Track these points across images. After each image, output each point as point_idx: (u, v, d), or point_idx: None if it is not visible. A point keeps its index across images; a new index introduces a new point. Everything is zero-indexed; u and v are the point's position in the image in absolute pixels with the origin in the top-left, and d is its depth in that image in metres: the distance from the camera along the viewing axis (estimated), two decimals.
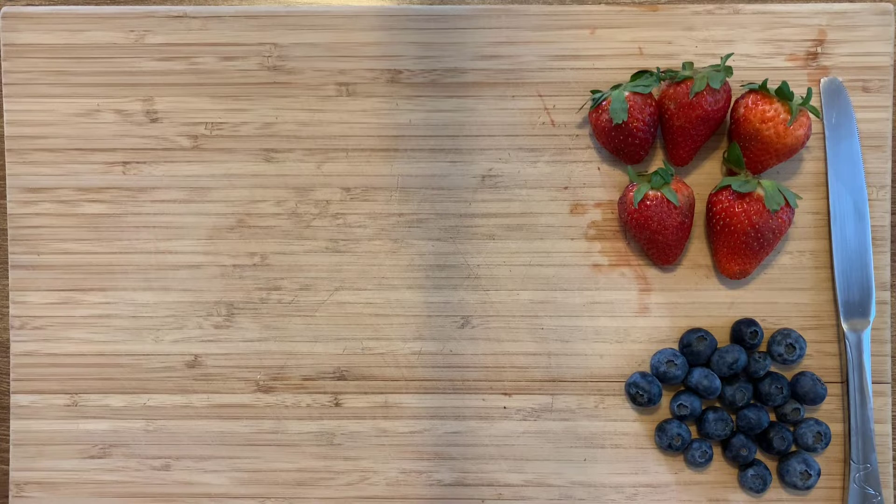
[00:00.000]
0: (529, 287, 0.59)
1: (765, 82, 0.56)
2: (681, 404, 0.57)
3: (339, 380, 0.59)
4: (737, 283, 0.59)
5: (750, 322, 0.58)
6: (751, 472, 0.57)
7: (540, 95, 0.59)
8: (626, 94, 0.56)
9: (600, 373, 0.59)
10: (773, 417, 0.58)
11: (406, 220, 0.59)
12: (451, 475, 0.59)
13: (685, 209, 0.56)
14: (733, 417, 0.58)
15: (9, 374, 0.61)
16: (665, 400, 0.59)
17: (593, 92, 0.58)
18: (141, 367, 0.60)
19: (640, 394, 0.57)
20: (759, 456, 0.59)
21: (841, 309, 0.58)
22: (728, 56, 0.57)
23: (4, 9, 0.60)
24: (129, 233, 0.60)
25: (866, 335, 0.57)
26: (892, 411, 0.59)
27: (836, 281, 0.58)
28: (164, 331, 0.60)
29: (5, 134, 0.60)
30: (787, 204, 0.56)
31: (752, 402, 0.58)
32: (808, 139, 0.56)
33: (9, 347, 0.61)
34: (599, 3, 0.61)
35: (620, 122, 0.56)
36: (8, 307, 0.61)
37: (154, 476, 0.60)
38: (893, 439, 0.59)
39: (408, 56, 0.59)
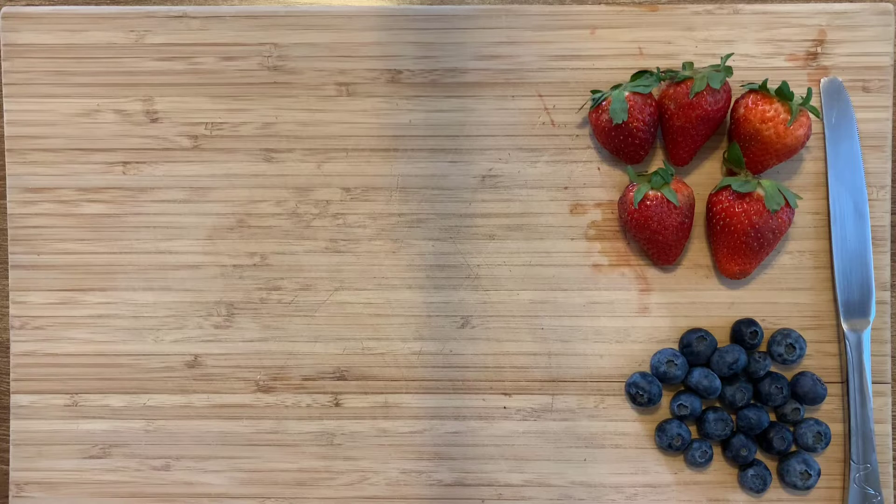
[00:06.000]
0: (529, 287, 0.59)
1: (765, 82, 0.56)
2: (681, 404, 0.57)
3: (339, 380, 0.59)
4: (737, 283, 0.59)
5: (750, 322, 0.58)
6: (751, 472, 0.57)
7: (540, 95, 0.59)
8: (626, 94, 0.56)
9: (600, 373, 0.59)
10: (773, 417, 0.59)
11: (406, 220, 0.59)
12: (451, 475, 0.59)
13: (685, 209, 0.56)
14: (733, 417, 0.58)
15: (9, 374, 0.61)
16: (665, 400, 0.59)
17: (593, 92, 0.58)
18: (141, 367, 0.60)
19: (640, 394, 0.57)
20: (759, 456, 0.59)
21: (841, 309, 0.58)
22: (728, 56, 0.57)
23: (4, 9, 0.60)
24: (129, 233, 0.60)
25: (866, 335, 0.57)
26: (892, 411, 0.59)
27: (836, 281, 0.58)
28: (164, 331, 0.60)
29: (5, 134, 0.60)
30: (787, 204, 0.56)
31: (752, 402, 0.58)
32: (808, 139, 0.56)
33: (9, 347, 0.61)
34: (599, 3, 0.61)
35: (620, 122, 0.56)
36: (8, 307, 0.61)
37: (154, 476, 0.60)
38: (893, 439, 0.59)
39: (408, 56, 0.59)
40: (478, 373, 0.59)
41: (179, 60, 0.60)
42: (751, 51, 0.59)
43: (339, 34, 0.59)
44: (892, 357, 0.59)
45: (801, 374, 0.58)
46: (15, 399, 0.60)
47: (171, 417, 0.60)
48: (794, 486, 0.57)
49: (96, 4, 0.62)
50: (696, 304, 0.59)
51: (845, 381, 0.58)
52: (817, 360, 0.59)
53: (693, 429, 0.59)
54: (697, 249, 0.59)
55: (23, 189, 0.60)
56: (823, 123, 0.59)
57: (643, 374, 0.58)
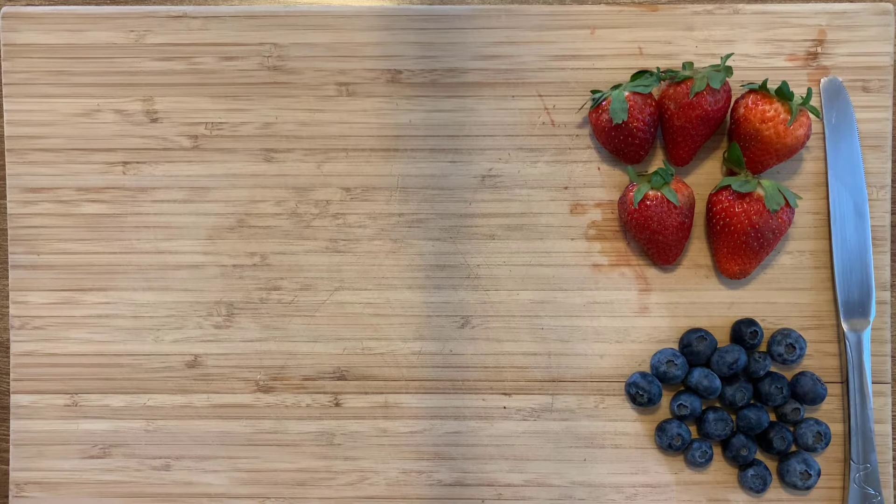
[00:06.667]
0: (529, 287, 0.59)
1: (765, 82, 0.56)
2: (681, 404, 0.57)
3: (339, 380, 0.59)
4: (737, 283, 0.59)
5: (750, 322, 0.58)
6: (751, 472, 0.57)
7: (540, 95, 0.59)
8: (626, 94, 0.56)
9: (600, 373, 0.59)
10: (773, 417, 0.59)
11: (406, 220, 0.59)
12: (451, 475, 0.59)
13: (685, 209, 0.56)
14: (733, 417, 0.58)
15: (9, 374, 0.61)
16: (665, 400, 0.59)
17: (593, 92, 0.58)
18: (141, 367, 0.60)
19: (640, 394, 0.57)
20: (759, 456, 0.59)
21: (841, 309, 0.58)
22: (728, 56, 0.57)
23: (4, 9, 0.60)
24: (129, 233, 0.60)
25: (866, 335, 0.57)
26: (892, 411, 0.59)
27: (836, 281, 0.58)
28: (164, 331, 0.60)
29: (5, 134, 0.60)
30: (787, 204, 0.56)
31: (752, 402, 0.58)
32: (808, 139, 0.56)
33: (9, 347, 0.61)
34: (599, 3, 0.61)
35: (620, 122, 0.56)
36: (8, 307, 0.61)
37: (154, 476, 0.60)
38: (893, 439, 0.59)
39: (408, 56, 0.59)
40: (478, 373, 0.59)
41: (179, 60, 0.60)
42: (751, 51, 0.59)
43: (339, 34, 0.59)
44: (892, 357, 0.59)
45: (801, 374, 0.58)
46: (15, 399, 0.60)
47: (171, 417, 0.60)
48: (794, 486, 0.57)
49: (96, 4, 0.62)
50: (696, 304, 0.59)
51: (845, 381, 0.58)
52: (817, 360, 0.59)
53: (693, 429, 0.59)
54: (697, 249, 0.59)
55: (23, 189, 0.60)
56: (823, 123, 0.59)
57: (643, 374, 0.58)
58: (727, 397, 0.57)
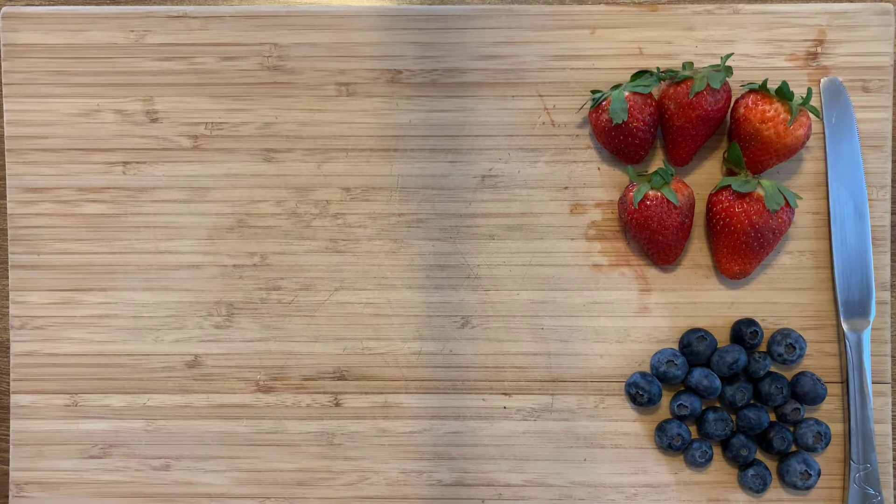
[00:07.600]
0: (529, 287, 0.59)
1: (765, 82, 0.56)
2: (681, 404, 0.57)
3: (339, 380, 0.60)
4: (737, 283, 0.59)
5: (750, 322, 0.58)
6: (751, 472, 0.57)
7: (540, 95, 0.59)
8: (626, 94, 0.56)
9: (600, 373, 0.59)
10: (773, 417, 0.59)
11: (406, 220, 0.59)
12: (451, 475, 0.59)
13: (685, 209, 0.56)
14: (733, 417, 0.58)
15: (9, 374, 0.61)
16: (665, 400, 0.59)
17: (593, 92, 0.58)
18: (141, 367, 0.60)
19: (640, 394, 0.57)
20: (759, 456, 0.59)
21: (841, 309, 0.58)
22: (728, 56, 0.57)
23: (4, 9, 0.60)
24: (129, 233, 0.60)
25: (866, 335, 0.57)
26: (892, 411, 0.59)
27: (836, 281, 0.58)
28: (164, 331, 0.60)
29: (5, 134, 0.60)
30: (787, 204, 0.56)
31: (752, 402, 0.58)
32: (808, 139, 0.56)
33: (9, 347, 0.61)
34: (599, 3, 0.61)
35: (620, 122, 0.56)
36: (8, 307, 0.61)
37: (154, 476, 0.60)
38: (893, 439, 0.59)
39: (408, 56, 0.59)
40: (478, 373, 0.59)
41: (179, 60, 0.60)
42: (751, 51, 0.59)
43: (339, 34, 0.59)
44: (892, 357, 0.59)
45: (801, 374, 0.58)
46: (15, 399, 0.60)
47: (171, 417, 0.60)
48: (794, 486, 0.57)
49: (96, 4, 0.62)
50: (696, 304, 0.59)
51: (845, 381, 0.58)
52: (817, 360, 0.59)
53: (693, 429, 0.59)
54: (697, 249, 0.59)
55: (23, 189, 0.60)
56: (823, 123, 0.59)
57: (643, 374, 0.58)
58: (727, 397, 0.57)
